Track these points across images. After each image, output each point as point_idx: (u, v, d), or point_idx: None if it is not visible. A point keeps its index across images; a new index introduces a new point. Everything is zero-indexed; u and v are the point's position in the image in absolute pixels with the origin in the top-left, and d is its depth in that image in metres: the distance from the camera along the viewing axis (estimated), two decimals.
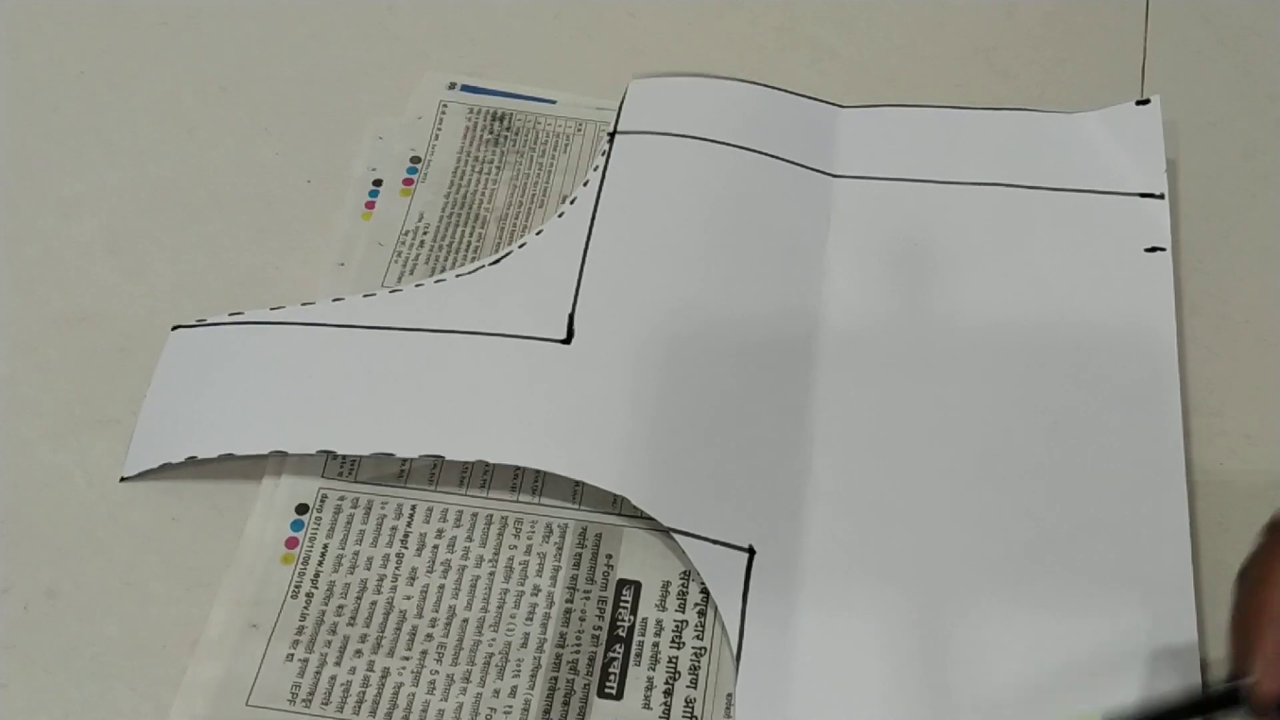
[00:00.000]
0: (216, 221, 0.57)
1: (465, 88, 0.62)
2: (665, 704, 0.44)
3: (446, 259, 0.56)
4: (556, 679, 0.45)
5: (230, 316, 0.53)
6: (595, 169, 0.56)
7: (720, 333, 0.51)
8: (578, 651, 0.45)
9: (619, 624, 0.46)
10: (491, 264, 0.54)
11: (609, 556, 0.47)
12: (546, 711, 0.44)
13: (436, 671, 0.45)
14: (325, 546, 0.48)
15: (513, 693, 0.44)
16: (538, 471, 0.49)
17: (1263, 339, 0.53)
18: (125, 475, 0.49)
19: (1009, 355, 0.51)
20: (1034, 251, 0.54)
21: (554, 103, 0.61)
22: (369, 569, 0.47)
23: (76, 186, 0.58)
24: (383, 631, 0.46)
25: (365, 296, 0.53)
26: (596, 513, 0.48)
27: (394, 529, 0.48)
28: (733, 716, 0.44)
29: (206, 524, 0.48)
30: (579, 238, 0.53)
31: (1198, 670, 0.44)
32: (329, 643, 0.45)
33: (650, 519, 0.46)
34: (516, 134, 0.60)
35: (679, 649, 0.45)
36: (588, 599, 0.46)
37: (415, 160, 0.59)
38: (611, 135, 0.57)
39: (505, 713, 0.44)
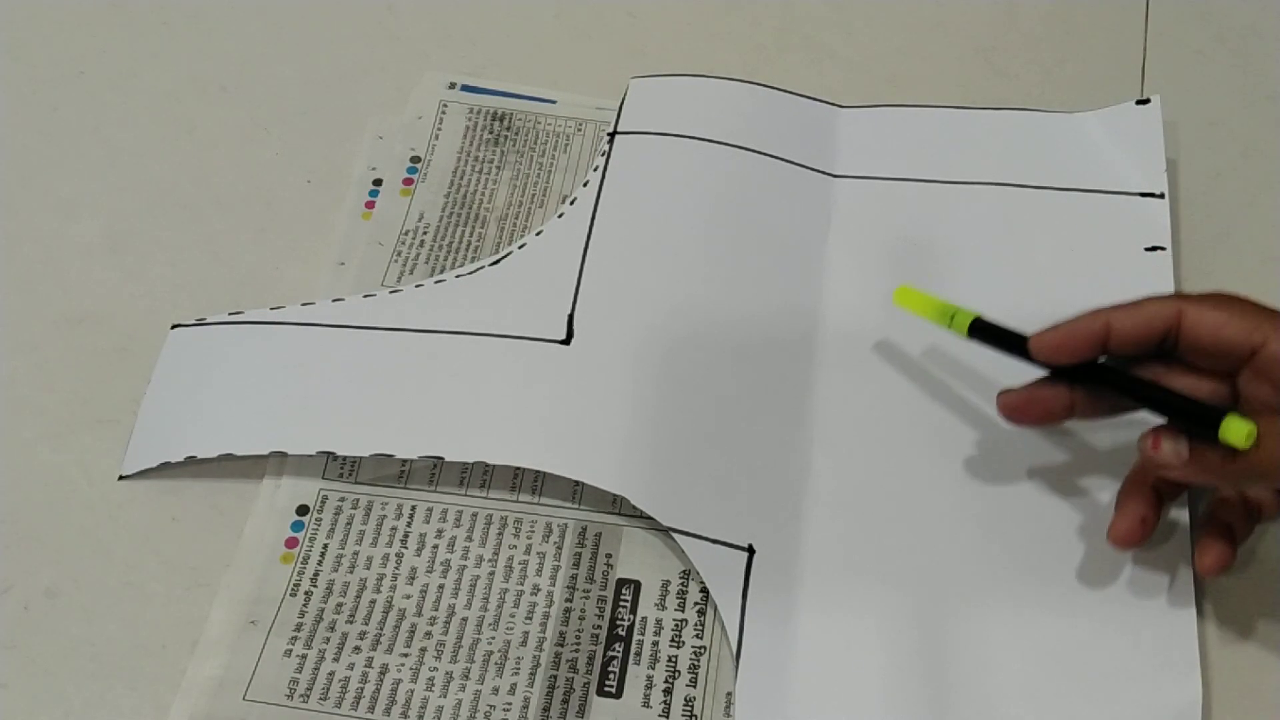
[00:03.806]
0: (216, 221, 0.57)
1: (465, 87, 0.62)
2: (665, 702, 0.44)
3: (446, 259, 0.56)
4: (556, 677, 0.45)
5: (230, 316, 0.53)
6: (595, 169, 0.56)
7: (720, 333, 0.51)
8: (577, 650, 0.45)
9: (618, 623, 0.46)
10: (491, 264, 0.54)
11: (609, 556, 0.47)
12: (546, 709, 0.44)
13: (435, 669, 0.45)
14: (325, 546, 0.48)
15: (512, 690, 0.44)
16: (537, 471, 0.49)
17: None
18: (124, 474, 0.49)
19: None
20: (1034, 251, 0.54)
21: (554, 103, 0.61)
22: (369, 568, 0.47)
23: (76, 186, 0.58)
24: (381, 629, 0.46)
25: (365, 297, 0.53)
26: (596, 512, 0.48)
27: (394, 529, 0.48)
28: (732, 715, 0.44)
29: (206, 524, 0.48)
30: (579, 238, 0.53)
31: (1197, 669, 0.44)
32: (327, 639, 0.45)
33: (650, 518, 0.46)
34: (516, 134, 0.60)
35: (678, 648, 0.45)
36: (587, 598, 0.46)
37: (415, 160, 0.59)
38: (611, 135, 0.57)
39: (505, 710, 0.44)
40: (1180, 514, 0.47)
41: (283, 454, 0.49)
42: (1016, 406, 0.46)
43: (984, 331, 0.47)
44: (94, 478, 0.50)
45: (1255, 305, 0.43)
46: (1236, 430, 0.40)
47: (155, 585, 0.47)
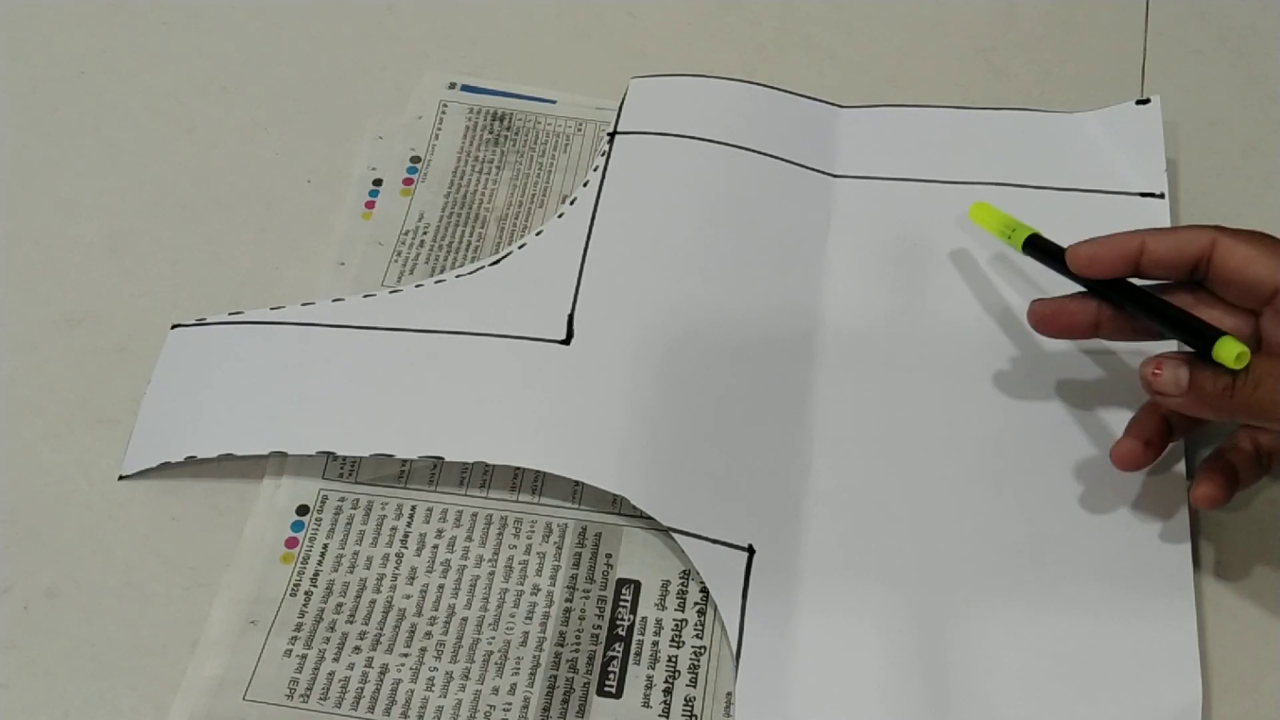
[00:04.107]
0: (216, 221, 0.57)
1: (465, 87, 0.62)
2: (665, 703, 0.44)
3: (446, 259, 0.56)
4: (556, 677, 0.45)
5: (230, 316, 0.53)
6: (595, 169, 0.56)
7: (720, 333, 0.51)
8: (577, 650, 0.45)
9: (618, 623, 0.46)
10: (491, 264, 0.54)
11: (609, 556, 0.47)
12: (546, 709, 0.44)
13: (435, 669, 0.45)
14: (325, 546, 0.48)
15: (512, 690, 0.44)
16: (537, 471, 0.49)
17: None
18: (124, 474, 0.49)
19: (1008, 355, 0.51)
20: None
21: (554, 103, 0.61)
22: (369, 568, 0.47)
23: (76, 186, 0.58)
24: (381, 629, 0.46)
25: (365, 297, 0.53)
26: (596, 512, 0.48)
27: (394, 529, 0.48)
28: (732, 715, 0.44)
29: (206, 524, 0.48)
30: (579, 238, 0.53)
31: (1197, 669, 0.44)
32: (327, 639, 0.45)
33: (650, 518, 0.46)
34: (516, 134, 0.60)
35: (678, 648, 0.45)
36: (587, 598, 0.46)
37: (415, 160, 0.59)
38: (611, 135, 0.57)
39: (505, 710, 0.44)
40: (1180, 513, 0.47)
41: (283, 454, 0.49)
42: (1044, 316, 0.47)
43: (1037, 247, 0.49)
44: (94, 478, 0.50)
45: None
46: (1229, 350, 0.40)
47: (155, 585, 0.47)
